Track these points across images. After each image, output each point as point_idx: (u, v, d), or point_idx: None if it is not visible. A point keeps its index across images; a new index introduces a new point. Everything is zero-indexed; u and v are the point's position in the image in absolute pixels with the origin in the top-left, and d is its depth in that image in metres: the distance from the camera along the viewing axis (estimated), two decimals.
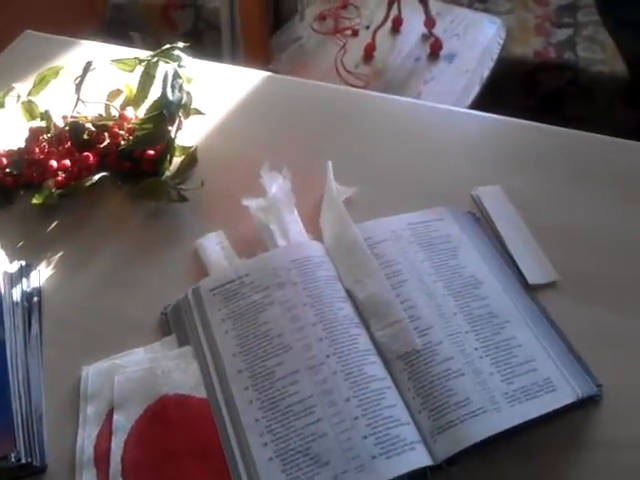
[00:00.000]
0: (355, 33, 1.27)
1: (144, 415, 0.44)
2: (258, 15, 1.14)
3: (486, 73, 1.18)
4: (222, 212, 0.57)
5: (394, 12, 1.25)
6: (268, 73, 0.71)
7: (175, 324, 0.49)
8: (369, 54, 1.22)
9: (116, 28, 1.64)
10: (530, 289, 0.51)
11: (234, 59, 1.26)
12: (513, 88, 1.44)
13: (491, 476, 0.43)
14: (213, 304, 0.48)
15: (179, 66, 0.58)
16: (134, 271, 0.54)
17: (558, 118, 1.46)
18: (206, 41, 1.56)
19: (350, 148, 0.63)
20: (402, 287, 0.48)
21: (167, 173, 0.59)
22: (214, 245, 0.53)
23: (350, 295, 0.48)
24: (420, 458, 0.40)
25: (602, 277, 0.53)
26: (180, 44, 0.59)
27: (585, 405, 0.46)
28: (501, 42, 1.24)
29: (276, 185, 0.54)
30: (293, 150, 0.62)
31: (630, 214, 0.58)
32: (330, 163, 0.58)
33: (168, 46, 0.59)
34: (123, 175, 0.59)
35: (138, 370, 0.46)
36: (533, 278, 0.52)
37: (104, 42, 0.78)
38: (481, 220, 0.56)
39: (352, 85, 1.16)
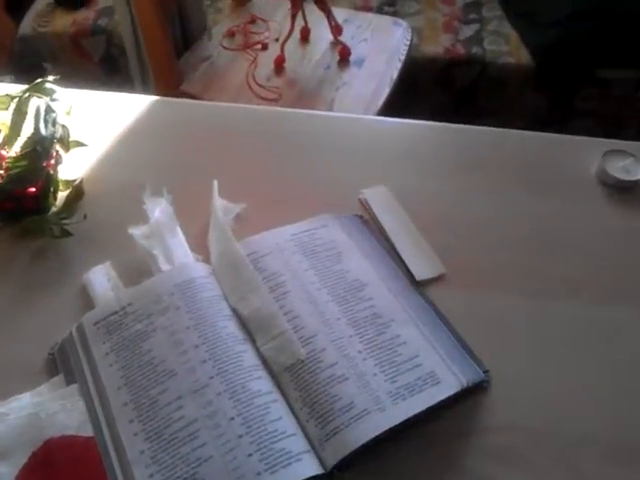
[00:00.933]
0: (265, 47, 1.28)
1: (29, 462, 0.42)
2: (162, 37, 1.13)
3: (395, 74, 1.20)
4: (110, 243, 0.56)
5: (301, 23, 1.26)
6: (154, 97, 0.70)
7: (62, 363, 0.48)
8: (280, 66, 1.23)
9: (28, 60, 1.60)
10: (418, 285, 0.53)
11: (144, 83, 1.25)
12: (430, 86, 1.48)
13: (388, 474, 0.44)
14: (97, 338, 0.47)
15: (52, 100, 0.57)
16: (21, 314, 0.53)
17: (474, 110, 1.51)
18: (121, 67, 1.54)
19: (240, 165, 0.63)
20: (285, 298, 0.48)
21: (53, 209, 0.58)
22: (101, 277, 0.52)
23: (235, 312, 0.48)
24: (307, 468, 0.40)
25: (488, 265, 0.55)
26: (51, 77, 0.58)
27: (474, 392, 0.47)
28: (407, 43, 1.27)
29: (158, 209, 0.54)
30: (182, 172, 0.62)
31: (513, 202, 0.60)
32: (216, 182, 0.58)
33: (39, 80, 0.58)
34: (5, 215, 0.57)
35: (21, 416, 0.44)
36: (420, 274, 0.53)
37: (15, 76, 0.76)
38: (369, 222, 0.57)
39: (265, 98, 1.17)
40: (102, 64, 1.58)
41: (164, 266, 0.50)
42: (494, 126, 1.50)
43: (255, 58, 1.25)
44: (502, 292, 0.53)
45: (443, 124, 0.69)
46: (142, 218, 0.55)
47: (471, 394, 0.47)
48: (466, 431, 0.46)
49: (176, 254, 0.51)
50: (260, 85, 1.20)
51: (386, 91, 1.17)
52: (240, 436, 0.41)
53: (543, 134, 0.66)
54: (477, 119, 1.54)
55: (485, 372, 0.47)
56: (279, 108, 0.73)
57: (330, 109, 1.14)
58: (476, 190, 0.61)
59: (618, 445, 0.45)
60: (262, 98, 1.18)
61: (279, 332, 0.46)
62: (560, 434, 0.45)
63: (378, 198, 0.59)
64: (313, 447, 0.42)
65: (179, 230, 0.53)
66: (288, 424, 0.42)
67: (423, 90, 1.49)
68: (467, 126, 0.69)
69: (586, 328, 0.51)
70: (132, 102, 0.69)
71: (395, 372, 0.44)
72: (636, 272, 0.54)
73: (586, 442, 0.45)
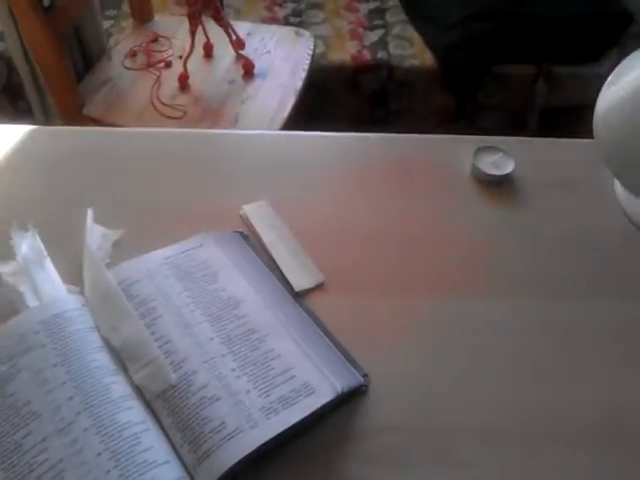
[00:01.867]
0: (168, 65, 1.27)
1: None
2: (57, 61, 1.10)
3: (299, 84, 1.21)
4: None
5: (203, 39, 1.26)
6: (32, 127, 0.68)
7: None
8: (184, 83, 1.22)
9: None
10: (297, 296, 0.53)
11: (45, 110, 1.22)
12: (341, 92, 1.50)
13: None
14: None
15: None
16: None
17: (386, 112, 1.55)
18: (24, 94, 1.49)
19: (120, 190, 0.62)
20: (157, 324, 0.47)
21: None
22: None
23: (107, 343, 0.47)
24: None
25: (366, 270, 0.56)
26: None
27: (355, 397, 0.48)
28: (310, 53, 1.28)
29: (26, 244, 0.52)
30: (56, 203, 0.60)
31: (393, 206, 0.61)
32: (90, 211, 0.56)
33: None
34: None
35: None
36: (299, 285, 0.53)
37: None
38: (249, 237, 0.57)
39: (170, 117, 1.16)
40: (4, 92, 1.53)
41: (32, 303, 0.49)
42: (406, 126, 1.55)
43: (159, 77, 1.24)
44: (380, 295, 0.54)
45: (327, 134, 0.70)
46: (10, 254, 0.53)
47: (351, 399, 0.47)
48: (348, 436, 0.46)
49: (44, 289, 0.49)
50: (165, 104, 1.18)
51: (291, 101, 1.18)
52: (108, 471, 0.40)
53: (422, 136, 0.68)
54: (389, 121, 1.58)
55: (364, 376, 0.48)
56: (153, 129, 0.71)
57: (235, 124, 1.14)
58: (356, 197, 0.62)
59: (493, 430, 0.46)
60: (167, 117, 1.16)
61: (150, 359, 0.45)
62: (438, 429, 0.46)
63: (258, 213, 0.59)
64: (189, 472, 0.41)
65: (49, 264, 0.52)
66: (160, 452, 0.41)
67: (335, 97, 1.51)
68: (349, 134, 0.70)
69: (457, 323, 0.52)
70: (3, 133, 0.67)
71: (269, 386, 0.44)
72: (506, 263, 0.57)
73: (462, 432, 0.46)
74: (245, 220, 0.59)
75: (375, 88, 1.48)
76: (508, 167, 0.62)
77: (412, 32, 1.52)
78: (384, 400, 0.48)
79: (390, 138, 0.69)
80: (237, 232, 0.57)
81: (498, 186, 0.62)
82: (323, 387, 0.45)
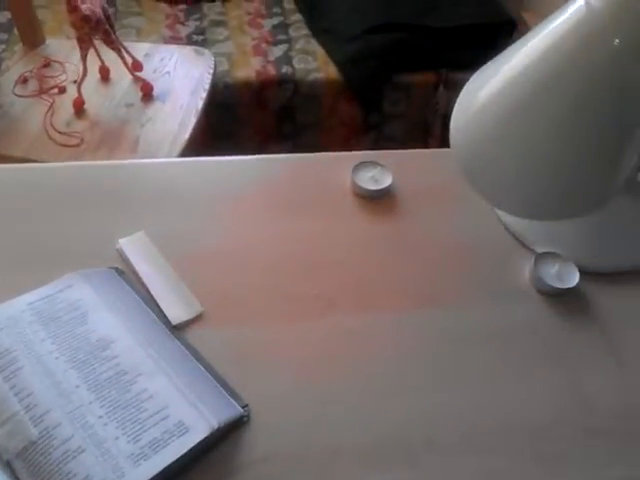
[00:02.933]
0: (62, 90, 1.22)
1: None
2: None
3: (200, 104, 1.20)
4: None
5: (98, 61, 1.22)
6: None
7: None
8: (79, 109, 1.18)
9: None
10: (176, 329, 0.52)
11: None
12: (248, 110, 1.49)
13: None
14: None
15: None
16: None
17: (295, 126, 1.55)
18: None
19: (12, 230, 0.59)
20: (17, 376, 0.44)
21: None
22: None
23: None
24: None
25: (246, 297, 0.55)
26: None
27: (236, 428, 0.47)
28: (211, 72, 1.27)
29: None
30: None
31: (273, 227, 0.61)
32: None
33: None
34: None
35: None
36: (176, 318, 0.52)
37: None
38: (126, 273, 0.55)
39: (65, 145, 1.11)
40: None
41: None
42: (314, 139, 1.55)
43: (52, 103, 1.19)
44: (260, 321, 0.53)
45: (200, 159, 0.69)
46: None
47: (233, 431, 0.47)
48: (230, 470, 0.45)
49: None
50: (60, 132, 1.14)
51: (192, 122, 1.16)
52: None
53: (297, 155, 0.68)
54: (298, 135, 1.59)
55: (244, 407, 0.47)
56: (19, 165, 0.68)
57: (135, 148, 1.11)
58: (238, 222, 0.61)
59: (370, 449, 0.47)
60: (62, 145, 1.12)
61: (8, 416, 0.42)
62: (320, 453, 0.46)
63: (135, 246, 0.57)
64: None
65: None
66: None
67: (243, 114, 1.50)
68: (220, 158, 0.68)
69: (339, 342, 0.52)
70: None
71: (140, 430, 0.43)
72: (389, 277, 0.57)
73: (341, 453, 0.46)
74: (121, 254, 0.57)
75: (282, 103, 1.48)
76: (386, 181, 0.63)
77: (315, 46, 1.54)
78: (266, 429, 0.47)
79: (270, 159, 0.69)
80: (112, 268, 0.55)
81: (378, 200, 0.63)
82: (198, 424, 0.44)
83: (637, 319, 0.56)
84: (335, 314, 0.54)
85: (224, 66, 1.47)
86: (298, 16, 1.65)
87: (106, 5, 1.13)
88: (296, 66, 1.48)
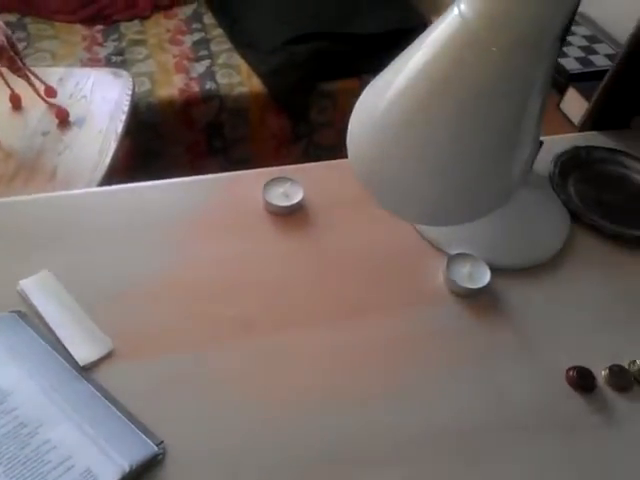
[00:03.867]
0: None
1: None
2: None
3: (120, 128, 1.17)
4: None
5: (8, 90, 1.17)
6: None
7: None
8: None
9: None
10: (84, 370, 0.49)
11: None
12: (175, 129, 1.47)
13: None
14: None
15: None
16: None
17: (224, 142, 1.54)
18: None
19: None
20: None
21: None
22: None
23: None
24: None
25: (158, 330, 0.53)
26: None
27: (151, 466, 0.45)
28: (130, 93, 1.24)
29: None
30: None
31: (186, 254, 0.59)
32: None
33: None
34: None
35: None
36: (84, 358, 0.50)
37: None
38: (28, 316, 0.53)
39: None
40: None
41: None
42: (245, 153, 1.50)
43: None
44: (176, 352, 0.52)
45: (110, 188, 0.67)
46: None
47: (149, 469, 0.45)
48: None
49: None
50: None
51: (113, 147, 1.13)
52: None
53: (208, 176, 0.67)
54: (228, 151, 1.57)
55: (159, 444, 0.45)
56: None
57: (53, 178, 1.07)
58: (144, 249, 0.59)
59: (299, 473, 0.46)
60: None
61: None
62: None
63: (38, 286, 0.54)
64: None
65: None
66: None
67: (170, 133, 1.47)
68: (134, 184, 0.66)
69: (260, 362, 0.52)
70: None
71: None
72: (305, 291, 0.57)
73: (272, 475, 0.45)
74: (23, 296, 0.54)
75: (209, 119, 1.46)
76: (297, 196, 0.63)
77: (238, 60, 1.53)
78: (184, 465, 0.46)
79: (182, 183, 0.67)
80: (13, 312, 0.52)
81: (291, 216, 0.63)
82: (107, 470, 0.42)
83: (547, 312, 0.58)
84: (254, 335, 0.53)
85: (146, 86, 1.43)
86: (219, 31, 1.64)
87: (9, 32, 1.08)
88: (220, 81, 1.46)
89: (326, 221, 0.63)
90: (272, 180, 0.64)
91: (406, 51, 0.48)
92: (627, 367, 0.54)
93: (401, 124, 0.45)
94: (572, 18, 0.52)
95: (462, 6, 0.43)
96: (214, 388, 0.50)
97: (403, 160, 0.46)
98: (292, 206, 0.62)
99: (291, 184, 0.64)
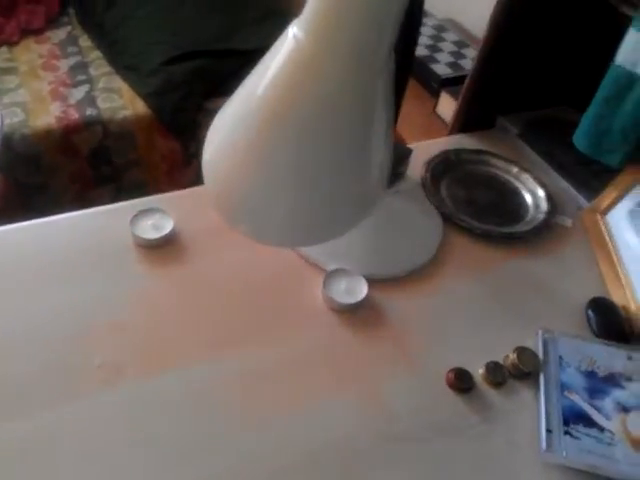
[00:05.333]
0: None
1: None
2: None
3: None
4: None
5: None
6: None
7: None
8: None
9: None
10: None
11: None
12: (57, 159, 1.38)
13: None
14: None
15: None
16: None
17: (112, 170, 1.47)
18: None
19: None
20: None
21: None
22: None
23: None
24: None
25: (17, 387, 0.48)
26: None
27: None
28: None
29: None
30: None
31: (44, 298, 0.55)
32: None
33: None
34: None
35: None
36: None
37: None
38: None
39: None
40: None
41: None
42: (137, 178, 1.42)
43: None
44: (38, 410, 0.47)
45: None
46: None
47: None
48: None
49: None
50: None
51: None
52: None
53: (72, 214, 0.62)
54: (118, 177, 1.51)
55: None
56: None
57: None
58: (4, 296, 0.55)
59: None
60: None
61: None
62: None
63: None
64: None
65: None
66: None
67: (53, 165, 1.39)
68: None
69: (133, 410, 0.48)
70: None
71: None
72: (180, 327, 0.54)
73: None
74: None
75: (92, 147, 1.39)
76: (167, 227, 0.60)
77: (120, 82, 1.47)
78: None
79: (43, 223, 0.62)
80: None
81: (162, 248, 0.60)
82: None
83: (424, 318, 0.59)
84: (124, 382, 0.50)
85: (19, 116, 1.34)
86: (97, 53, 1.57)
87: None
88: (101, 106, 1.40)
89: (199, 250, 0.61)
90: (140, 212, 0.61)
91: (249, 75, 0.47)
92: (502, 362, 0.56)
93: (247, 149, 0.44)
94: (414, 31, 0.54)
95: (295, 28, 0.43)
96: (81, 444, 0.46)
97: (253, 185, 0.45)
98: (162, 238, 0.60)
99: (161, 215, 0.61)
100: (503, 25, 0.71)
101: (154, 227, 0.60)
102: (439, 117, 0.98)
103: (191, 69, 1.42)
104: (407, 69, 0.56)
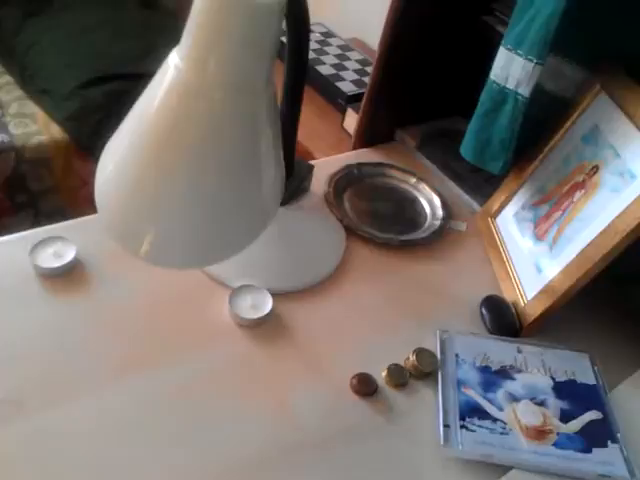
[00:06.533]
0: None
1: None
2: None
3: None
4: None
5: None
6: None
7: None
8: None
9: None
10: None
11: None
12: None
13: None
14: None
15: None
16: None
17: (31, 198, 1.43)
18: None
19: None
20: None
21: None
22: None
23: None
24: None
25: None
26: None
27: None
28: None
29: None
30: None
31: None
32: None
33: None
34: None
35: None
36: None
37: None
38: None
39: None
40: None
41: None
42: (56, 204, 1.37)
43: None
44: None
45: None
46: None
47: None
48: None
49: None
50: None
51: None
52: None
53: None
54: (36, 205, 1.47)
55: None
56: None
57: None
58: None
59: None
60: None
61: None
62: None
63: None
64: None
65: None
66: None
67: None
68: None
69: (36, 446, 0.48)
70: None
71: None
72: (84, 356, 0.54)
73: None
74: None
75: (6, 174, 1.35)
76: (70, 254, 0.60)
77: (33, 107, 1.44)
78: None
79: None
80: None
81: (65, 277, 0.59)
82: None
83: (329, 328, 0.61)
84: (25, 417, 0.49)
85: None
86: (8, 78, 1.52)
87: None
88: (13, 132, 1.36)
89: (104, 276, 0.61)
90: (41, 241, 0.60)
91: (136, 103, 0.49)
92: (403, 364, 0.59)
93: (137, 177, 0.45)
94: (301, 62, 0.56)
95: (175, 56, 0.45)
96: None
97: (145, 212, 0.46)
98: (64, 266, 0.59)
99: (62, 242, 0.61)
100: (393, 43, 0.75)
101: (55, 255, 0.60)
102: (347, 132, 1.02)
103: (107, 92, 1.41)
104: (299, 86, 0.59)
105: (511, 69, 0.61)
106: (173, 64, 0.45)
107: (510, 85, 0.62)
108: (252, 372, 0.56)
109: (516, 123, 0.63)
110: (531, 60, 0.59)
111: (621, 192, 0.57)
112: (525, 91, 0.61)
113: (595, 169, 0.62)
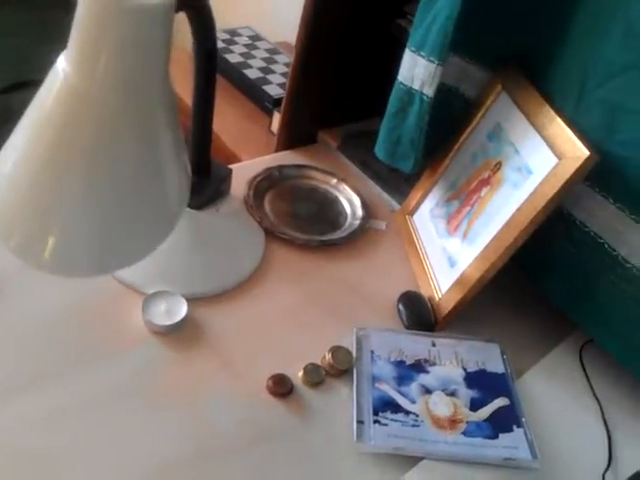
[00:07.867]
0: None
1: None
2: None
3: None
4: None
5: None
6: None
7: None
8: None
9: None
10: None
11: None
12: None
13: None
14: None
15: None
16: None
17: None
18: None
19: None
20: None
21: None
22: None
23: None
24: None
25: None
26: None
27: None
28: None
29: None
30: None
31: None
32: None
33: None
34: None
35: None
36: None
37: None
38: None
39: None
40: None
41: None
42: None
43: None
44: None
45: None
46: None
47: None
48: None
49: None
50: None
51: None
52: None
53: None
54: None
55: None
56: None
57: None
58: None
59: None
60: None
61: None
62: None
63: None
64: None
65: None
66: None
67: None
68: None
69: None
70: None
71: None
72: None
73: None
74: None
75: None
76: None
77: None
78: None
79: None
80: None
81: None
82: None
83: (246, 330, 0.61)
84: None
85: None
86: None
87: None
88: None
89: (11, 289, 0.58)
90: None
91: (25, 113, 0.48)
92: (319, 363, 0.59)
93: (31, 187, 0.44)
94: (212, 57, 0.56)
95: (63, 63, 0.44)
96: None
97: (43, 222, 0.45)
98: None
99: None
100: (309, 44, 0.76)
101: None
102: (274, 135, 1.02)
103: (28, 98, 1.36)
104: (210, 88, 0.59)
105: (416, 70, 0.63)
106: (61, 68, 0.44)
107: (416, 86, 0.64)
108: (167, 379, 0.55)
109: (423, 122, 0.64)
110: (433, 61, 0.61)
111: (520, 187, 0.59)
112: (429, 91, 0.62)
113: (499, 165, 0.64)
